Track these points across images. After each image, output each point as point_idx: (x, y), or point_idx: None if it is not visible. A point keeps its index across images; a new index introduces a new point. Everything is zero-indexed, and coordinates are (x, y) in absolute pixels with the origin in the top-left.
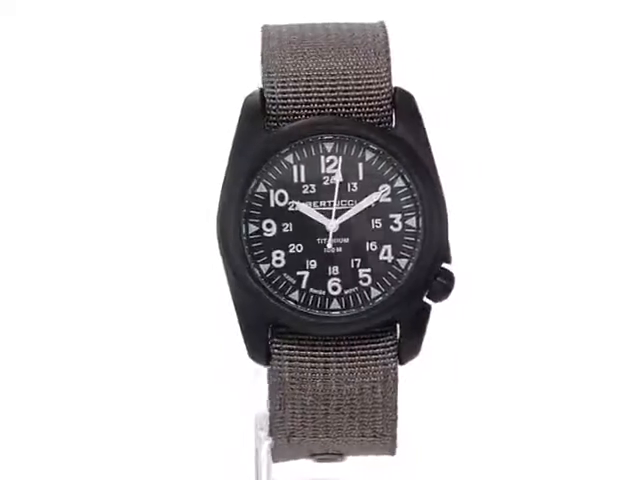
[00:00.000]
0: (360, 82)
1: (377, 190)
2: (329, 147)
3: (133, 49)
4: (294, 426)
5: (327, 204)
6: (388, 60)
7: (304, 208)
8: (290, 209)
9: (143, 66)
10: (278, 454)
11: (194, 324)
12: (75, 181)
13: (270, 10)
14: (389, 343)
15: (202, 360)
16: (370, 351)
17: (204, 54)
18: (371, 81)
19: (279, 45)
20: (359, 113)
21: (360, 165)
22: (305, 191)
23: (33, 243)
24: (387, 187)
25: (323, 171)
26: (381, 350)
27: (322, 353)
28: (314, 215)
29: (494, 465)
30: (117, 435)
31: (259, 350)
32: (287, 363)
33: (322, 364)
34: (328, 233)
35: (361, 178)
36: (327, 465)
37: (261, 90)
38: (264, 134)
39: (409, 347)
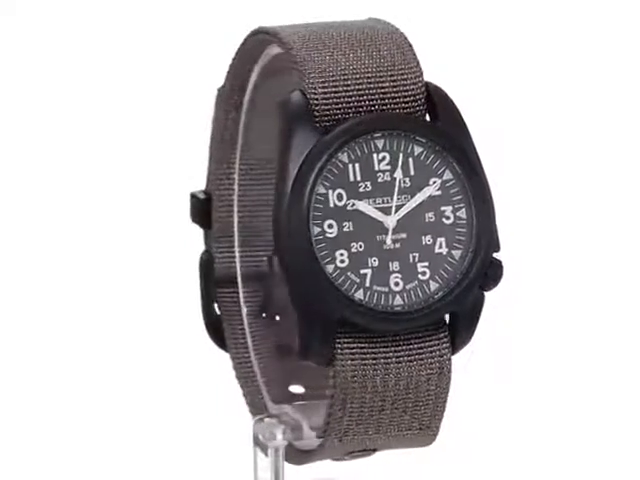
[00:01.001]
0: (394, 78)
1: (428, 184)
2: (380, 144)
3: (132, 49)
4: (349, 425)
5: (383, 201)
6: (415, 54)
7: (362, 206)
8: (349, 208)
9: (142, 66)
10: (317, 456)
11: (195, 324)
12: (74, 179)
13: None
14: (443, 335)
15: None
16: (426, 343)
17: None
18: (405, 76)
19: (306, 46)
20: (396, 109)
21: (410, 160)
22: (361, 189)
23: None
24: (437, 180)
25: (376, 168)
26: (436, 342)
27: (382, 349)
28: (372, 213)
29: (494, 465)
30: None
31: (323, 351)
32: (350, 362)
33: (382, 360)
34: (387, 230)
35: (412, 173)
36: (327, 465)
37: (301, 91)
38: (316, 135)
39: (463, 337)
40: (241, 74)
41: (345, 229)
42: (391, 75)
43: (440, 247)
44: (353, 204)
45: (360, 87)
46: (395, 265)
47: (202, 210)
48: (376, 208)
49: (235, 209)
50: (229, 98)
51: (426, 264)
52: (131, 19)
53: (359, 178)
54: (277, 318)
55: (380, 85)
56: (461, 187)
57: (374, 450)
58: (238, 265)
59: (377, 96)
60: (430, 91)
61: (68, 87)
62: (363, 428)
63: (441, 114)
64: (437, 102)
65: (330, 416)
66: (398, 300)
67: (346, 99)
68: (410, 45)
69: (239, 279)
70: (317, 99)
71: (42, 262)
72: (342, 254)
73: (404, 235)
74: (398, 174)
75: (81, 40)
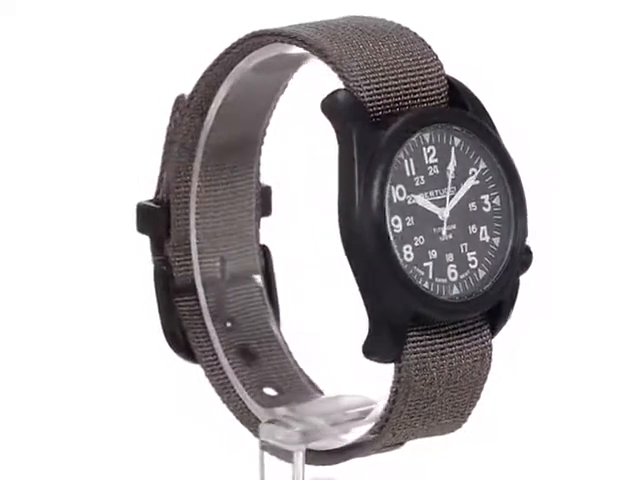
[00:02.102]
0: (422, 72)
1: (469, 174)
2: (427, 138)
3: (131, 49)
4: (405, 419)
5: (435, 193)
6: (430, 47)
7: (420, 200)
8: (409, 203)
9: (141, 66)
10: (356, 453)
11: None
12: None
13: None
14: (483, 322)
15: None
16: (471, 331)
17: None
18: (430, 69)
19: (338, 45)
20: (429, 101)
21: (452, 151)
22: (417, 183)
23: None
24: (475, 170)
25: (427, 162)
26: (479, 329)
27: (438, 341)
28: (429, 206)
29: (494, 465)
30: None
31: (394, 349)
32: (414, 356)
33: (439, 351)
34: (442, 222)
35: (455, 164)
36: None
37: (346, 91)
38: (374, 132)
39: (502, 323)
40: (214, 83)
41: (408, 224)
42: (419, 69)
43: (483, 235)
44: (412, 198)
45: (396, 82)
46: (450, 256)
47: (159, 220)
48: (431, 201)
49: (192, 216)
50: (197, 106)
51: (474, 253)
52: (130, 20)
53: (414, 172)
54: (228, 324)
55: (412, 79)
56: (496, 175)
57: (402, 442)
58: (198, 272)
59: (412, 90)
60: (451, 82)
61: (68, 86)
62: (414, 420)
63: (469, 105)
64: (462, 93)
65: (391, 411)
66: (455, 290)
67: (388, 95)
68: (422, 39)
69: (200, 286)
70: (363, 97)
71: None
72: (408, 249)
73: (454, 226)
74: (446, 166)
75: (82, 40)
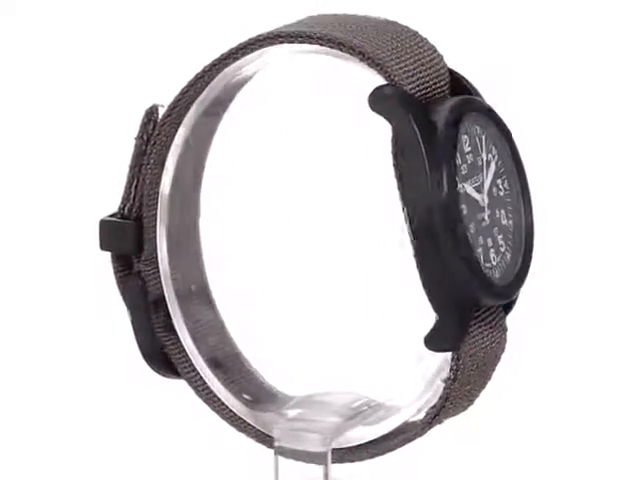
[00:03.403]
0: (432, 64)
1: (489, 159)
2: (462, 127)
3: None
4: (452, 405)
5: (474, 181)
6: (428, 40)
7: (468, 188)
8: (461, 191)
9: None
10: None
11: None
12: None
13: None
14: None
15: None
16: (497, 316)
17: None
18: (436, 61)
19: (370, 41)
20: (441, 93)
21: (477, 139)
22: (463, 172)
23: None
24: (492, 155)
25: (465, 150)
26: (500, 314)
27: (484, 325)
28: (473, 193)
29: (493, 465)
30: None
31: (461, 337)
32: (469, 342)
33: (479, 337)
34: (483, 208)
35: (481, 151)
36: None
37: (391, 85)
38: (435, 127)
39: (513, 305)
40: (193, 97)
41: (464, 212)
42: (430, 61)
43: (504, 219)
44: (463, 187)
45: (425, 75)
46: (489, 241)
47: (130, 235)
48: (474, 189)
49: (164, 229)
50: (175, 119)
51: (502, 236)
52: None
53: (460, 162)
54: (197, 336)
55: (429, 72)
56: (505, 159)
57: None
58: (170, 286)
59: (433, 81)
60: (453, 74)
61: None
62: (455, 405)
63: (474, 94)
64: (465, 83)
65: (447, 399)
66: (496, 274)
67: (422, 86)
68: (416, 32)
69: (174, 299)
70: (408, 90)
71: None
72: (468, 236)
73: (489, 212)
74: (477, 153)
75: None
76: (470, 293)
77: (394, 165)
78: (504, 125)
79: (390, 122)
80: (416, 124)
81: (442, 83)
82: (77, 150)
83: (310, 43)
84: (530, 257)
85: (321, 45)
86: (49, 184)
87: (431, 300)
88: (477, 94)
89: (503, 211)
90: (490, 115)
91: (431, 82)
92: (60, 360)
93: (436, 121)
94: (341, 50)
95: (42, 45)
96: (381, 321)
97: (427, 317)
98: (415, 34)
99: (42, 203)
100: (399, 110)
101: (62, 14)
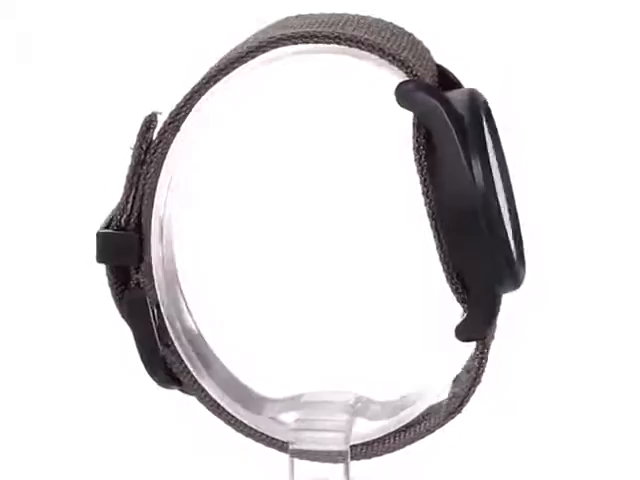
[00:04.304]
0: (427, 60)
1: (490, 148)
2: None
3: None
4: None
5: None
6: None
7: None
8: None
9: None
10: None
11: None
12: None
13: None
14: None
15: None
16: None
17: None
18: (429, 55)
19: (388, 39)
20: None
21: (484, 129)
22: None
23: None
24: (490, 144)
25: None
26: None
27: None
28: (497, 183)
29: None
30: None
31: (491, 325)
32: (489, 333)
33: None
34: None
35: (489, 139)
36: (327, 465)
37: (411, 80)
38: (462, 116)
39: None
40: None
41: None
42: (429, 58)
43: (504, 207)
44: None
45: (425, 70)
46: (508, 228)
47: (132, 246)
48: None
49: (163, 240)
50: (178, 128)
51: (509, 223)
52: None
53: None
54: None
55: (430, 65)
56: (497, 149)
57: None
58: (164, 294)
59: (432, 75)
60: (440, 68)
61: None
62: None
63: (460, 86)
64: (452, 77)
65: (470, 389)
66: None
67: (431, 80)
68: (402, 28)
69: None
70: (427, 82)
71: None
72: None
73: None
74: (486, 143)
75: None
76: (502, 279)
77: (416, 160)
78: (489, 112)
79: (419, 115)
80: (447, 115)
81: (435, 77)
82: (73, 155)
83: (326, 43)
84: (522, 248)
85: (338, 44)
86: (45, 187)
87: (462, 291)
88: (461, 86)
89: (502, 198)
90: (487, 106)
91: (432, 75)
92: (63, 371)
93: (461, 111)
94: (360, 48)
95: (41, 51)
96: (381, 321)
97: (427, 316)
98: (408, 33)
99: (35, 208)
100: (430, 103)
101: (61, 20)
